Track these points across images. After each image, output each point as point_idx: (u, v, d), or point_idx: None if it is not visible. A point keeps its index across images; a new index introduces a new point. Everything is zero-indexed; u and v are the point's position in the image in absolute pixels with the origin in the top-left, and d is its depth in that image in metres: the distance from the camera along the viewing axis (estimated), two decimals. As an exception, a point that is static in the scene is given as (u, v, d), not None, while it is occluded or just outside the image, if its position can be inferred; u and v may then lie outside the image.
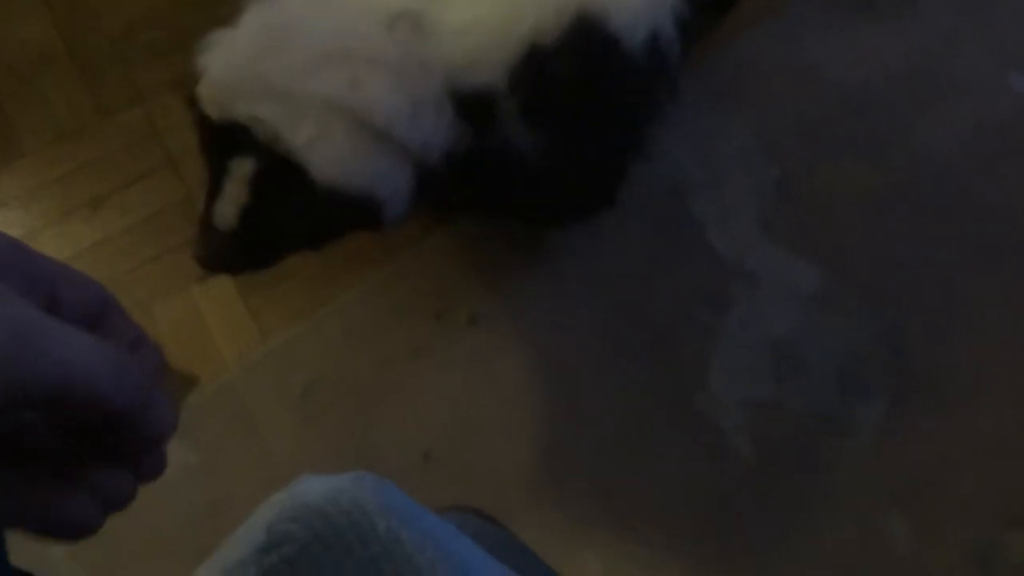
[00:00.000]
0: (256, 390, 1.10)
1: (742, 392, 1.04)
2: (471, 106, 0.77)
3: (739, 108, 1.18)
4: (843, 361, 1.04)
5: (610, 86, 0.82)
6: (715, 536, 0.97)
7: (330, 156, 0.71)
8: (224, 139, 0.75)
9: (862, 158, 1.16)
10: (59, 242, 1.16)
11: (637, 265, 1.12)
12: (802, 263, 1.10)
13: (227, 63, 0.75)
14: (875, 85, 1.20)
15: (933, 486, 0.99)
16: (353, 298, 1.14)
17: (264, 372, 1.11)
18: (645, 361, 1.07)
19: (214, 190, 0.78)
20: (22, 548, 0.44)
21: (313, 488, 0.36)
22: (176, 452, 1.06)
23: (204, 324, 1.12)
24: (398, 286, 1.14)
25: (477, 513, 0.93)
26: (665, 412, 1.04)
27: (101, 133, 1.22)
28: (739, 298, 1.08)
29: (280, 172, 0.72)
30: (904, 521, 0.97)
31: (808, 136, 1.17)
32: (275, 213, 0.75)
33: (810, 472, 1.00)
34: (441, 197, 0.88)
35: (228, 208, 0.76)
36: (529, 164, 0.81)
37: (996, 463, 0.99)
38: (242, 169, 0.74)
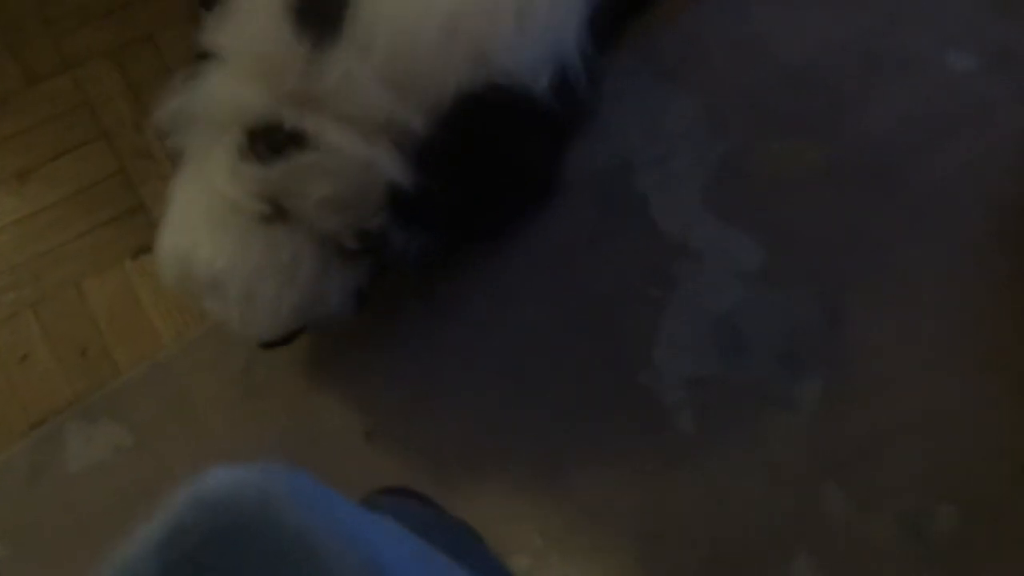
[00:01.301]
0: (194, 369, 1.07)
1: (685, 368, 1.04)
2: (361, 250, 0.83)
3: (684, 84, 1.18)
4: (784, 337, 1.05)
5: (518, 137, 0.82)
6: (655, 509, 0.98)
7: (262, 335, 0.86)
8: None
9: (805, 135, 1.17)
10: (-16, 216, 1.12)
11: (582, 240, 1.11)
12: (745, 239, 1.10)
13: (165, 275, 0.84)
14: (819, 62, 1.20)
15: (869, 459, 1.01)
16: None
17: (202, 350, 1.08)
18: (590, 336, 1.07)
19: None
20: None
21: (218, 480, 0.35)
22: (109, 433, 1.04)
23: (139, 301, 1.09)
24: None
25: (415, 495, 0.92)
26: (609, 387, 1.04)
27: (28, 101, 1.17)
28: (683, 274, 1.09)
29: None
30: (841, 492, 0.99)
31: (752, 112, 1.17)
32: None
33: (750, 445, 1.01)
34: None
35: None
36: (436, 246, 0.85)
37: (929, 437, 1.01)
38: None
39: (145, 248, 1.11)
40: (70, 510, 1.00)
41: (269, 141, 0.74)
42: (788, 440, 1.02)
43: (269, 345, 0.91)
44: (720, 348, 1.05)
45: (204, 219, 0.79)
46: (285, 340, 0.91)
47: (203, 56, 0.78)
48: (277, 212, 0.77)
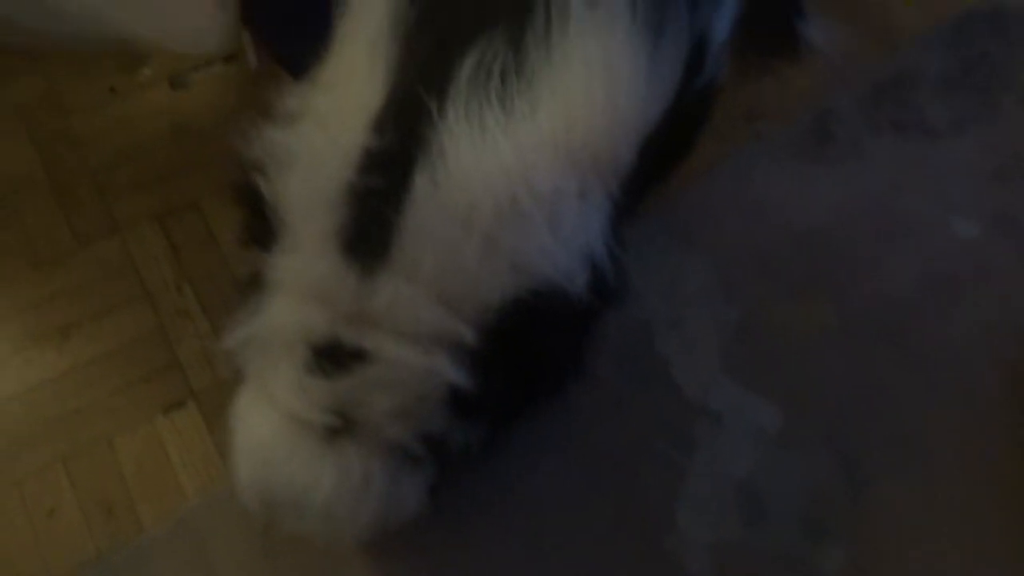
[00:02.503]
0: (216, 526, 1.07)
1: (709, 533, 1.04)
2: (426, 451, 0.85)
3: (698, 247, 1.23)
4: (805, 501, 1.05)
5: (558, 331, 0.86)
6: None
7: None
8: None
9: (818, 296, 1.20)
10: (25, 370, 1.16)
11: (602, 400, 1.13)
12: (763, 401, 1.12)
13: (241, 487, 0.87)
14: (827, 226, 1.26)
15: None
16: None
17: (226, 507, 1.08)
18: (613, 499, 1.07)
19: None
20: None
21: None
22: (130, 592, 1.03)
23: (168, 457, 1.11)
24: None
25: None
26: (633, 551, 1.04)
27: (77, 261, 1.23)
28: (704, 437, 1.10)
29: None
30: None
31: (765, 275, 1.22)
32: None
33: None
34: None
35: None
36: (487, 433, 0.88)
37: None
38: None
39: (177, 404, 1.14)
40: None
41: (332, 357, 0.78)
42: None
43: None
44: (742, 513, 1.05)
45: (275, 441, 0.82)
46: None
47: (254, 280, 0.84)
48: (344, 425, 0.80)
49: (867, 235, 1.25)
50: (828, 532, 1.03)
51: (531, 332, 0.82)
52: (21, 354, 1.18)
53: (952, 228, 1.25)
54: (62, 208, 1.28)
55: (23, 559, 1.06)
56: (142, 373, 1.16)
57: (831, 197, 1.29)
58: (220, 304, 1.20)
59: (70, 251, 1.24)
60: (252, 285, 0.84)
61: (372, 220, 0.76)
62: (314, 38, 0.85)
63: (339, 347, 0.78)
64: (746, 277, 1.21)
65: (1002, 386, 1.12)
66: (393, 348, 0.77)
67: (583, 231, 0.81)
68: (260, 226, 0.82)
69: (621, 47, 0.79)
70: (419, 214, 0.75)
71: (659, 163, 1.00)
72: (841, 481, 1.06)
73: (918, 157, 1.32)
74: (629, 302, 1.17)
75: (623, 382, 1.13)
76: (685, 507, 1.05)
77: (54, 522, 1.08)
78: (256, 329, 0.82)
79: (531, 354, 0.86)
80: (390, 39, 0.79)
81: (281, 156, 0.80)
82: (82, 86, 1.36)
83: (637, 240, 1.20)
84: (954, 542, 1.02)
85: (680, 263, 1.22)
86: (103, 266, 1.23)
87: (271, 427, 0.82)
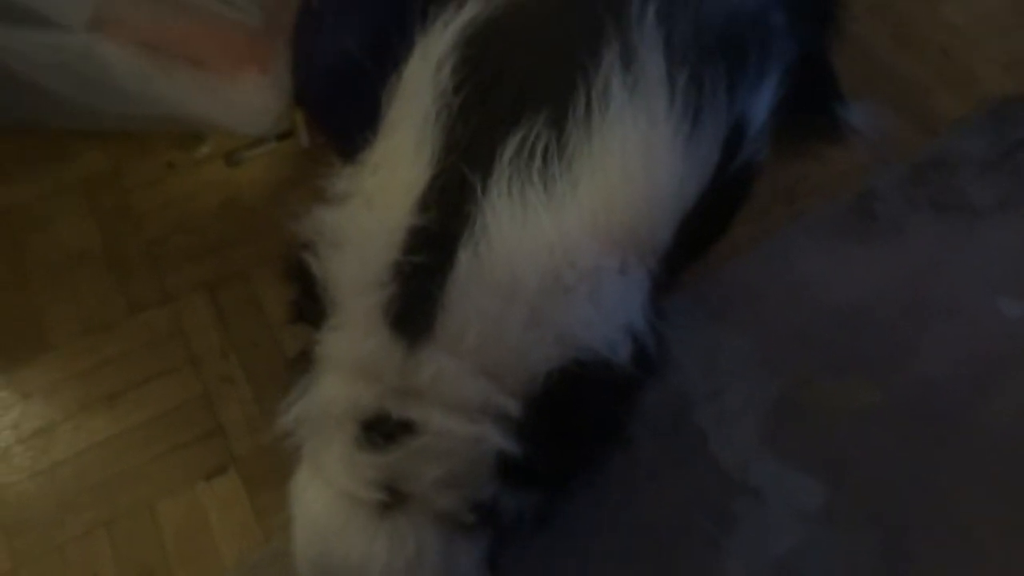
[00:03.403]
0: (252, 594, 1.08)
1: (749, 614, 1.01)
2: (478, 521, 0.85)
3: (736, 323, 1.23)
4: (849, 583, 1.02)
5: (602, 401, 0.87)
6: None
7: None
8: None
9: (860, 374, 1.19)
10: (75, 435, 1.19)
11: (641, 474, 1.12)
12: (804, 478, 1.10)
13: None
14: (868, 305, 1.25)
15: None
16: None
17: (263, 574, 1.09)
18: (651, 574, 1.05)
19: None
20: None
21: None
22: (164, 660, 1.03)
23: (207, 523, 1.12)
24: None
25: None
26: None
27: (127, 329, 1.27)
28: (744, 512, 1.08)
29: None
30: None
31: (805, 351, 1.21)
32: None
33: None
34: None
35: None
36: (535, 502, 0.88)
37: None
38: None
39: (219, 470, 1.16)
40: None
41: (381, 430, 0.79)
42: None
43: None
44: (784, 594, 1.02)
45: (330, 516, 0.83)
46: None
47: (303, 358, 0.86)
48: (395, 499, 0.81)
49: (909, 313, 1.24)
50: (873, 618, 1.00)
51: (575, 401, 0.83)
52: (71, 421, 1.21)
53: (997, 307, 1.24)
54: (116, 278, 1.32)
55: (62, 623, 1.07)
56: (186, 439, 1.18)
57: (872, 275, 1.28)
58: (264, 371, 1.22)
59: (122, 320, 1.28)
60: (302, 363, 0.86)
61: (417, 296, 0.78)
62: (364, 121, 0.89)
63: (387, 420, 0.79)
64: (786, 353, 1.20)
65: (1053, 471, 1.09)
66: (439, 419, 0.78)
67: (624, 305, 0.83)
68: (310, 303, 0.85)
69: (660, 129, 0.82)
70: (462, 288, 0.77)
71: (696, 241, 1.02)
72: (884, 563, 1.03)
73: (960, 236, 1.31)
74: (668, 374, 1.17)
75: (659, 455, 1.13)
76: (726, 586, 1.03)
77: (94, 588, 1.09)
78: (308, 407, 0.84)
79: (575, 422, 0.86)
80: (435, 123, 0.82)
81: (331, 235, 0.84)
82: (142, 163, 1.43)
83: (675, 315, 1.22)
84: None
85: (718, 338, 1.22)
86: (152, 333, 1.27)
87: (326, 503, 0.83)
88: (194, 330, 1.27)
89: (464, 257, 0.77)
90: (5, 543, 1.12)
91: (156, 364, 1.24)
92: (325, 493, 0.83)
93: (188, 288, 1.30)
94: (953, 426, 1.14)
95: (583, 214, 0.79)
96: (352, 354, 0.81)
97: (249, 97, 1.34)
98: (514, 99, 0.82)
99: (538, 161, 0.79)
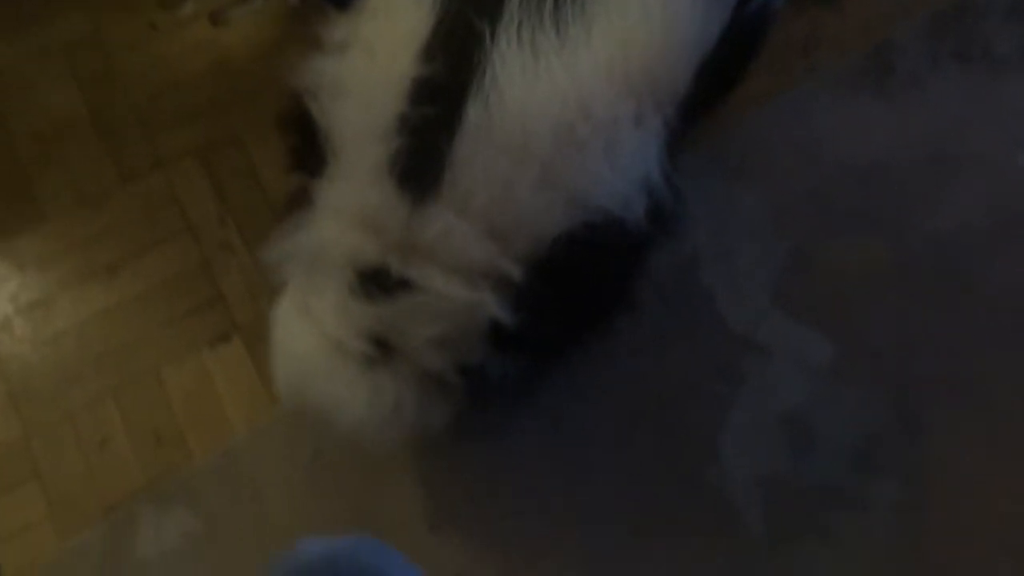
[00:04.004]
0: (263, 457, 1.09)
1: (754, 466, 1.02)
2: (461, 381, 0.85)
3: (750, 182, 1.19)
4: (856, 436, 1.03)
5: (611, 265, 0.85)
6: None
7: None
8: None
9: (873, 233, 1.16)
10: (75, 306, 1.18)
11: (648, 336, 1.11)
12: (814, 335, 1.09)
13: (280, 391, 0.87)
14: (884, 162, 1.21)
15: (946, 568, 0.96)
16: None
17: (272, 437, 1.10)
18: (657, 432, 1.06)
19: None
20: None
21: (311, 550, 0.36)
22: (180, 520, 1.05)
23: (214, 388, 1.13)
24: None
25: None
26: (676, 485, 1.03)
27: (122, 199, 1.24)
28: (751, 369, 1.08)
29: None
30: (922, 604, 0.94)
31: (818, 210, 1.18)
32: None
33: (822, 547, 0.97)
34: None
35: None
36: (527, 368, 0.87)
37: (1007, 548, 0.97)
38: None
39: (223, 337, 1.15)
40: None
41: (379, 283, 0.77)
42: (862, 543, 0.98)
43: None
44: (790, 446, 1.03)
45: (314, 358, 0.82)
46: None
47: (297, 199, 0.83)
48: (382, 352, 0.80)
49: (928, 171, 1.20)
50: (880, 468, 1.01)
51: (582, 267, 0.81)
52: (70, 291, 1.19)
53: (1017, 161, 1.19)
54: (106, 146, 1.28)
55: (77, 488, 1.09)
56: (188, 307, 1.17)
57: (890, 132, 1.23)
58: (263, 238, 1.19)
59: (115, 188, 1.25)
60: (296, 204, 0.83)
61: (424, 151, 0.75)
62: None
63: (386, 274, 0.77)
64: (799, 211, 1.17)
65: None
66: (440, 280, 0.76)
67: (640, 158, 0.79)
68: (309, 152, 0.81)
69: None
70: (471, 145, 0.73)
71: (713, 90, 0.97)
72: (894, 419, 1.04)
73: (983, 89, 1.25)
74: (681, 232, 1.15)
75: (667, 315, 1.11)
76: (729, 440, 1.04)
77: (106, 452, 1.10)
78: (302, 245, 0.81)
79: (580, 289, 0.84)
80: None
81: (331, 85, 0.79)
82: (123, 24, 1.35)
83: (685, 171, 1.18)
84: (1010, 489, 0.99)
85: (730, 196, 1.18)
86: (147, 202, 1.23)
87: (312, 344, 0.82)
88: (189, 198, 1.23)
89: (473, 112, 0.73)
90: (14, 412, 1.12)
91: (153, 233, 1.22)
92: (311, 335, 0.82)
93: (180, 155, 1.26)
94: (966, 283, 1.12)
95: (598, 59, 0.75)
96: (355, 204, 0.78)
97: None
98: None
99: (549, 5, 0.74)
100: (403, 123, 0.74)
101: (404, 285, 0.77)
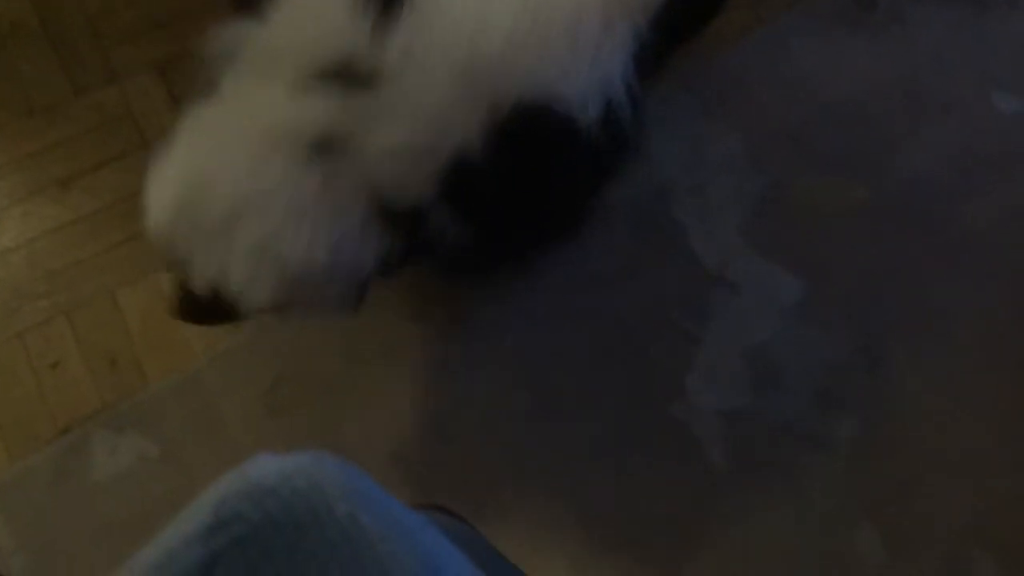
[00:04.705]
0: (222, 383, 1.07)
1: (719, 400, 1.02)
2: (400, 220, 0.77)
3: (726, 116, 1.17)
4: (821, 374, 1.03)
5: (559, 169, 0.82)
6: (684, 543, 0.96)
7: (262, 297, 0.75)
8: None
9: (847, 172, 1.16)
10: (25, 221, 1.13)
11: (617, 269, 1.10)
12: (784, 273, 1.09)
13: (158, 208, 0.75)
14: (862, 100, 1.20)
15: (905, 501, 0.98)
16: (328, 292, 1.12)
17: (232, 364, 1.08)
18: (623, 364, 1.06)
19: None
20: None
21: (267, 467, 0.34)
22: (135, 444, 1.03)
23: (172, 312, 1.09)
24: (374, 285, 1.12)
25: (444, 511, 0.90)
26: (640, 418, 1.03)
27: (74, 111, 1.18)
28: (720, 305, 1.07)
29: None
30: (876, 534, 0.96)
31: (794, 147, 1.16)
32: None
33: (783, 482, 0.99)
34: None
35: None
36: (467, 247, 0.81)
37: (967, 480, 0.99)
38: None
39: (181, 259, 1.11)
40: (93, 519, 0.99)
41: (341, 77, 0.71)
42: (823, 478, 0.99)
43: (219, 317, 0.82)
44: (755, 382, 1.03)
45: (237, 146, 0.73)
46: (244, 316, 0.81)
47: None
48: (329, 152, 0.72)
49: (904, 110, 1.19)
50: (842, 404, 1.02)
51: (536, 153, 0.78)
52: (19, 206, 1.14)
53: (993, 103, 1.19)
54: (58, 56, 1.21)
55: (28, 409, 1.05)
56: (143, 227, 1.13)
57: (869, 69, 1.22)
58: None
59: (67, 100, 1.19)
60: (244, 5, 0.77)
61: None
62: None
63: (350, 69, 0.72)
64: (774, 148, 1.16)
65: (1030, 268, 1.09)
66: (414, 79, 0.72)
67: (603, 61, 0.77)
68: None
69: None
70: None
71: (690, 15, 0.95)
72: (860, 357, 1.04)
73: (963, 28, 1.24)
74: (648, 166, 1.13)
75: (638, 249, 1.10)
76: (695, 375, 1.04)
77: (58, 374, 1.07)
78: (252, 37, 0.76)
79: (531, 181, 0.81)
80: None
81: None
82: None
83: (661, 103, 1.16)
84: (971, 425, 1.01)
85: (705, 130, 1.16)
86: (101, 116, 1.18)
87: (235, 133, 0.74)
88: (145, 113, 1.18)
89: None
90: (-40, 329, 1.08)
91: (107, 149, 1.16)
92: (241, 124, 0.74)
93: (136, 67, 1.20)
94: (936, 225, 1.12)
95: None
96: (314, 14, 0.74)
97: None
98: None
99: None
100: None
101: (371, 82, 0.72)
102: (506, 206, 0.82)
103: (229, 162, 0.73)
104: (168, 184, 0.75)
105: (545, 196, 0.86)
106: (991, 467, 0.99)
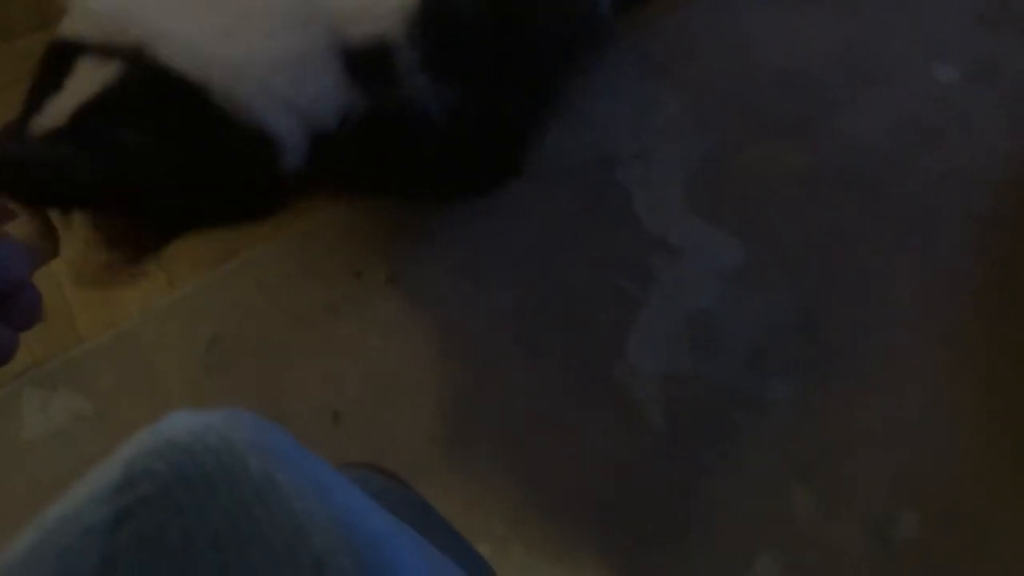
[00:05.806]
0: (158, 340, 1.05)
1: (658, 363, 1.04)
2: (364, 61, 0.70)
3: (672, 81, 1.17)
4: (759, 337, 1.05)
5: (525, 22, 0.77)
6: (621, 503, 0.97)
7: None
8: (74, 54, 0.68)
9: (790, 138, 1.17)
10: (-51, 172, 1.08)
11: (560, 232, 1.10)
12: (725, 238, 1.10)
13: None
14: (807, 67, 1.20)
15: (837, 462, 1.01)
16: (267, 252, 1.10)
17: (168, 322, 1.06)
18: (565, 326, 1.06)
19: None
20: None
21: (180, 424, 0.33)
22: (68, 401, 1.01)
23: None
24: (314, 243, 1.10)
25: (380, 471, 0.90)
26: (580, 380, 1.03)
27: (3, 58, 1.13)
28: (661, 270, 1.08)
29: (160, 87, 0.65)
30: (808, 495, 0.99)
31: (738, 113, 1.17)
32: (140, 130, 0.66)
33: (719, 444, 1.00)
34: (337, 169, 0.80)
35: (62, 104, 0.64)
36: (431, 124, 0.75)
37: (896, 443, 1.02)
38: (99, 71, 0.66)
39: (115, 214, 1.08)
40: (23, 477, 0.97)
41: None
42: (757, 440, 1.01)
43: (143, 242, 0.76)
44: (694, 346, 1.05)
45: None
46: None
47: None
48: None
49: (847, 78, 1.20)
50: (778, 369, 1.04)
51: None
52: (-56, 156, 1.09)
53: (933, 73, 1.21)
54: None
55: (-46, 366, 1.02)
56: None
57: (814, 36, 1.23)
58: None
59: (-5, 46, 1.14)
60: None
61: None
62: None
63: None
64: (718, 113, 1.16)
65: (964, 235, 1.11)
66: None
67: None
68: None
69: None
70: None
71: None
72: (798, 322, 1.06)
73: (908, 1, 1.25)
74: (592, 130, 1.13)
75: (581, 212, 1.10)
76: (636, 338, 1.05)
77: (-14, 329, 1.04)
78: None
79: (524, 34, 0.78)
80: None
81: None
82: None
83: (606, 69, 1.15)
84: (900, 389, 1.04)
85: (651, 95, 1.16)
86: (30, 63, 1.13)
87: None
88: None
89: None
90: None
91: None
92: None
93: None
94: (877, 191, 1.14)
95: None
96: None
97: None
98: None
99: None
100: None
101: None
102: (472, 63, 0.76)
103: None
104: None
105: (508, 58, 0.80)
106: (918, 431, 1.02)
